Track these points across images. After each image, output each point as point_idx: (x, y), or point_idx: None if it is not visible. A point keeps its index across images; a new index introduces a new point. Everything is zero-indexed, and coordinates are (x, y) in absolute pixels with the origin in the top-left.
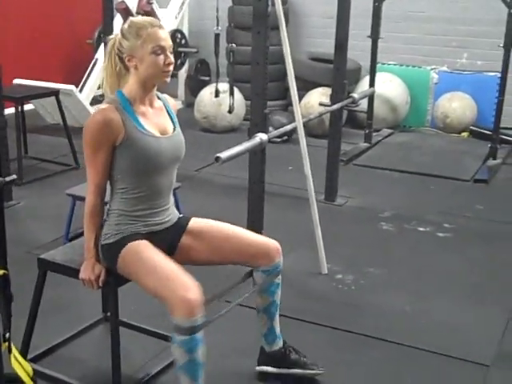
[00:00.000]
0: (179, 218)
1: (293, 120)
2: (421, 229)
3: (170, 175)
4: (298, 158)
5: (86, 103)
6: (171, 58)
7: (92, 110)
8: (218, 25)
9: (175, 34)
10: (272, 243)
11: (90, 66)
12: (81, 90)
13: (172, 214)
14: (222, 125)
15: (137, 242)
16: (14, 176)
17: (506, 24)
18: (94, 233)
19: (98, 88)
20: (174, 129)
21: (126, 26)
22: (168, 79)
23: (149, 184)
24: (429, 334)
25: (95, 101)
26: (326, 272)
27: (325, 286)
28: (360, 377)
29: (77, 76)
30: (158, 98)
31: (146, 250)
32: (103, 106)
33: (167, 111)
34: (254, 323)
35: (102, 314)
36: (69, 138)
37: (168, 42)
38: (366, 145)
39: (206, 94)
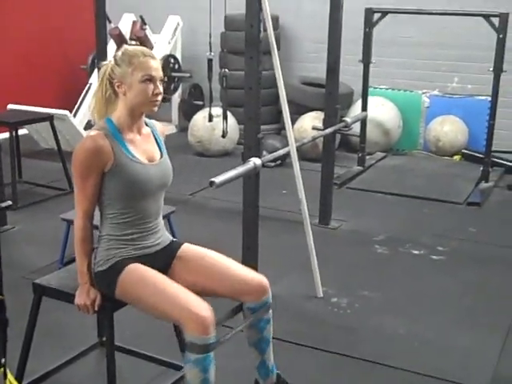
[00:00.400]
0: (171, 242)
1: (286, 144)
2: (415, 252)
3: (157, 200)
4: (292, 182)
5: (80, 128)
6: (160, 88)
7: (86, 134)
8: (210, 50)
9: (168, 58)
10: (259, 281)
11: (84, 91)
12: (75, 115)
13: (162, 237)
14: (216, 149)
15: (134, 265)
16: (10, 202)
17: (495, 49)
18: (86, 258)
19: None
20: (161, 155)
21: (119, 53)
22: (155, 109)
23: (137, 209)
24: (424, 357)
25: (89, 126)
26: (322, 295)
27: (320, 310)
28: None
29: (70, 101)
30: (146, 124)
31: (148, 272)
32: (93, 132)
33: (155, 138)
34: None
35: (98, 338)
36: (63, 162)
37: (159, 73)
38: (360, 168)
39: (200, 118)
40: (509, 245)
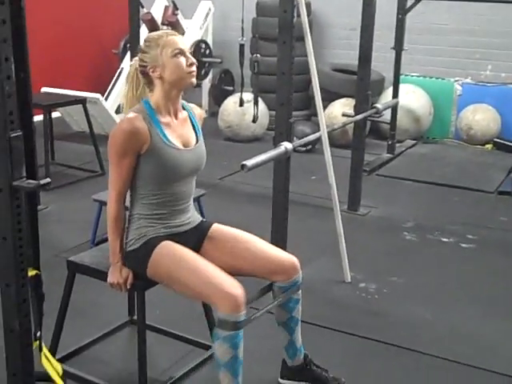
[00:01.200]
0: (201, 222)
1: (316, 130)
2: (444, 239)
3: (189, 183)
4: (321, 168)
5: (112, 111)
6: (192, 58)
7: (117, 118)
8: (242, 35)
9: (199, 44)
10: (290, 260)
11: (116, 75)
12: (106, 99)
13: (192, 217)
14: (246, 134)
15: (166, 242)
16: (48, 179)
17: None
18: (118, 238)
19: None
20: (197, 141)
21: (143, 42)
22: (194, 80)
23: (168, 191)
24: (452, 343)
25: (120, 109)
26: (350, 280)
27: (348, 294)
28: None
29: (102, 85)
30: (184, 108)
31: (179, 249)
32: (130, 114)
33: (191, 122)
34: (276, 330)
35: (128, 317)
36: (95, 145)
37: (185, 46)
38: (389, 155)
39: (230, 103)
40: None
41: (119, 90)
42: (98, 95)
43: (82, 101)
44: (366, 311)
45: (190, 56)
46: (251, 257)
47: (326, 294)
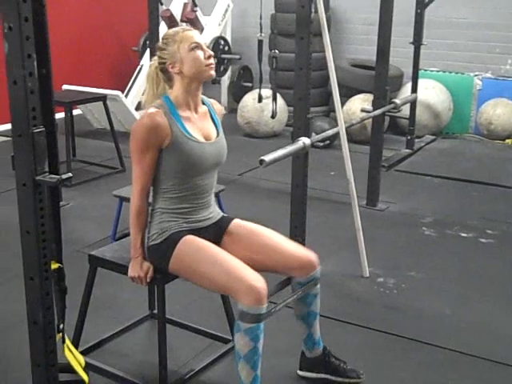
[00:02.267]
0: (222, 217)
1: (334, 126)
2: (463, 234)
3: (211, 177)
4: (340, 164)
5: (132, 108)
6: (209, 51)
7: (137, 114)
8: (261, 31)
9: (218, 40)
10: (308, 256)
11: (136, 72)
12: (126, 96)
13: (213, 212)
14: (265, 130)
15: (190, 236)
16: (70, 174)
17: None
18: (140, 232)
19: (143, 93)
20: (218, 134)
21: (160, 40)
22: (213, 72)
23: (190, 185)
24: (470, 338)
25: (140, 106)
26: (368, 275)
27: (366, 289)
28: (401, 379)
29: (122, 82)
30: (203, 103)
31: (203, 243)
32: (151, 110)
33: (211, 116)
34: (294, 324)
35: (149, 311)
36: (115, 141)
37: (202, 39)
38: (408, 151)
39: (249, 99)
40: None
41: (139, 87)
42: (118, 92)
43: (103, 98)
44: (384, 306)
45: (206, 49)
46: (269, 252)
47: (345, 289)
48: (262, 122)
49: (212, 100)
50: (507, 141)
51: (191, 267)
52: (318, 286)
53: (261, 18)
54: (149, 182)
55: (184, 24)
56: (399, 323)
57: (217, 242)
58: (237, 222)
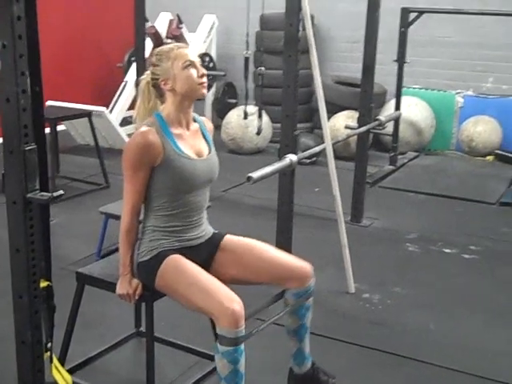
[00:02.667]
0: (214, 234)
1: (319, 142)
2: (447, 250)
3: (203, 194)
4: (324, 180)
5: (116, 124)
6: (203, 69)
7: (122, 131)
8: (247, 48)
9: (203, 57)
10: (304, 267)
11: (120, 88)
12: (110, 112)
13: (206, 230)
14: (249, 147)
15: (174, 256)
16: (61, 192)
17: None
18: (129, 250)
19: (128, 109)
20: (210, 151)
21: (153, 56)
22: (205, 91)
23: (183, 202)
24: (456, 354)
25: (124, 123)
26: (354, 291)
27: (352, 305)
28: None
29: (106, 98)
30: (195, 120)
31: (186, 264)
32: (143, 128)
33: (203, 133)
34: (283, 340)
35: (135, 328)
36: (100, 157)
37: (196, 57)
38: (392, 167)
39: (234, 115)
40: None
41: (123, 103)
42: (103, 108)
43: (88, 114)
44: (370, 322)
45: (200, 67)
46: (265, 264)
47: (331, 305)
48: (246, 138)
49: (203, 118)
50: (488, 157)
51: (172, 287)
52: (311, 299)
53: (247, 35)
54: (140, 200)
55: (169, 40)
56: (385, 339)
57: (209, 259)
58: (229, 237)
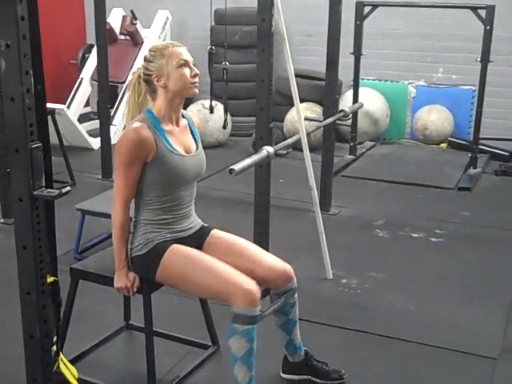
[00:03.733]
0: (202, 227)
1: (278, 134)
2: (414, 235)
3: (192, 188)
4: (288, 172)
5: (76, 122)
6: (196, 70)
7: (81, 128)
8: (211, 44)
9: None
10: (283, 268)
11: (76, 85)
12: (67, 109)
13: (194, 221)
14: (209, 141)
15: (174, 246)
16: (69, 188)
17: (482, 40)
18: (124, 244)
19: (85, 106)
20: (197, 147)
21: (148, 52)
22: (196, 90)
23: (173, 196)
24: (436, 331)
25: (81, 119)
26: (331, 277)
27: (332, 290)
28: (378, 373)
29: (60, 96)
30: (183, 116)
31: (192, 251)
32: (136, 124)
33: (191, 130)
34: (275, 328)
35: (124, 322)
36: (64, 155)
37: (190, 57)
38: (352, 157)
39: (193, 110)
40: (502, 227)
41: (80, 100)
42: (63, 106)
43: (51, 112)
44: (351, 305)
45: (193, 67)
46: (247, 263)
47: (311, 291)
48: (206, 132)
49: (191, 114)
50: (442, 145)
51: (181, 276)
52: (296, 295)
53: (211, 30)
54: (132, 195)
55: (122, 37)
56: (368, 321)
57: (198, 250)
58: (215, 232)
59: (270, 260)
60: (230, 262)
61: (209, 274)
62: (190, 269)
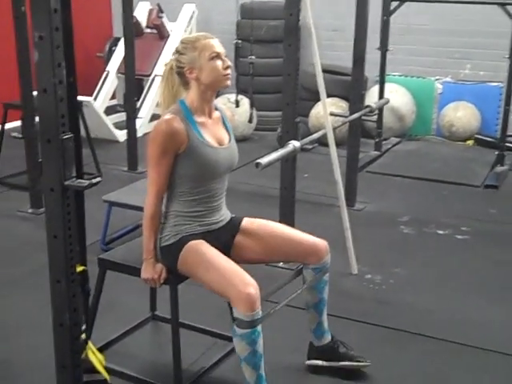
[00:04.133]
0: (232, 218)
1: (304, 129)
2: (440, 231)
3: (224, 180)
4: (313, 166)
5: (103, 114)
6: (228, 62)
7: (108, 120)
8: (237, 38)
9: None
10: (321, 242)
11: (102, 78)
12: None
13: (225, 214)
14: (234, 135)
15: (195, 241)
16: (100, 178)
17: (510, 36)
18: (153, 234)
19: (111, 99)
20: (230, 139)
21: (179, 44)
22: (229, 82)
23: (205, 188)
24: (461, 328)
25: (108, 112)
26: (356, 272)
27: (357, 286)
28: (403, 369)
29: (86, 88)
30: (216, 109)
31: (205, 249)
32: (168, 116)
33: (223, 122)
34: (297, 322)
35: (150, 312)
36: (91, 148)
37: (222, 49)
38: (377, 153)
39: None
40: None
41: (106, 93)
42: (89, 98)
43: (78, 104)
44: (376, 301)
45: (225, 59)
46: (285, 242)
47: (336, 286)
48: (232, 126)
49: (223, 106)
50: (468, 142)
51: (192, 271)
52: (327, 274)
53: (237, 25)
54: (164, 186)
55: (149, 30)
56: (392, 317)
57: (230, 242)
58: (248, 219)
59: (306, 236)
60: (268, 243)
61: (212, 274)
62: (197, 266)
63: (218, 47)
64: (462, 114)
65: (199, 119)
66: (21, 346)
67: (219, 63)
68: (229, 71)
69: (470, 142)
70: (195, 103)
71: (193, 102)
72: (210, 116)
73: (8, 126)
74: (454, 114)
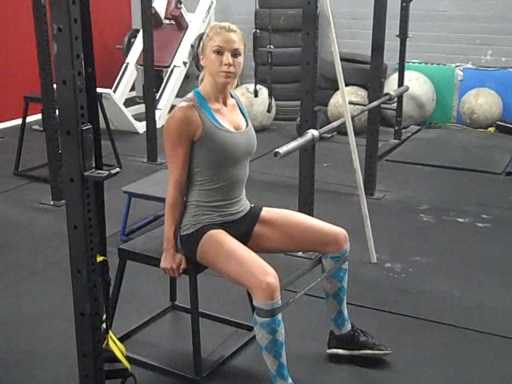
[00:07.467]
0: (251, 208)
1: (323, 118)
2: (460, 219)
3: (244, 168)
4: (332, 155)
5: (122, 106)
6: (230, 60)
7: (127, 112)
8: (256, 28)
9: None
10: (340, 231)
11: (122, 70)
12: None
13: (244, 205)
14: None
15: (215, 230)
16: (118, 169)
17: None
18: (174, 224)
19: (130, 90)
20: (247, 125)
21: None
22: (224, 79)
23: (225, 176)
24: (481, 316)
25: (127, 103)
26: (376, 261)
27: (376, 274)
28: (424, 357)
29: (106, 80)
30: (232, 96)
31: (225, 238)
32: (182, 103)
33: (240, 108)
34: (317, 311)
35: (170, 302)
36: (111, 139)
37: (230, 45)
38: (396, 141)
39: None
40: None
41: (125, 85)
42: (109, 90)
43: (98, 96)
44: (396, 289)
45: (228, 57)
46: (304, 232)
47: (356, 275)
48: (250, 116)
49: (238, 93)
50: (489, 129)
51: (211, 261)
52: (347, 263)
53: (255, 14)
54: (183, 175)
55: (168, 21)
56: (412, 305)
57: (249, 232)
58: (267, 209)
59: (325, 225)
60: (287, 233)
61: (232, 264)
62: (216, 255)
63: (226, 42)
64: (483, 101)
65: (214, 106)
66: (43, 335)
67: (219, 58)
68: (224, 68)
69: (492, 129)
70: (209, 91)
71: (206, 90)
72: (225, 103)
73: (29, 119)
74: (474, 101)
